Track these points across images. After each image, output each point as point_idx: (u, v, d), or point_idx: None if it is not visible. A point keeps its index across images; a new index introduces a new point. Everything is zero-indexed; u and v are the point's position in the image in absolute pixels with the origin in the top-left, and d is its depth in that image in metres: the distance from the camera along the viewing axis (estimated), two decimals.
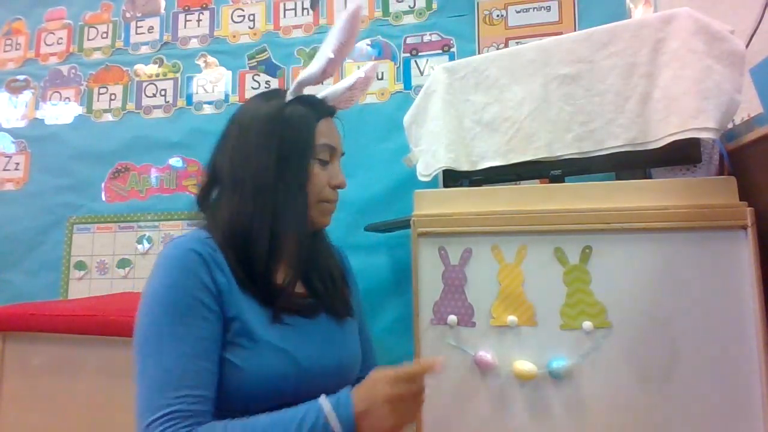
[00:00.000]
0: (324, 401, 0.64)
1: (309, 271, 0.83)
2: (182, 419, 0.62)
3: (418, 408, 0.68)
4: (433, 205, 0.99)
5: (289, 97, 0.81)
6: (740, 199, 0.81)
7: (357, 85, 0.85)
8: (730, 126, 0.94)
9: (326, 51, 0.78)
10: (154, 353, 0.65)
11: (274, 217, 0.73)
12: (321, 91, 0.87)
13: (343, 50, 0.78)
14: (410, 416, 0.67)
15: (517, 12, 1.59)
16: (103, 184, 1.81)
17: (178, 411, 0.62)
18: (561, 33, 1.46)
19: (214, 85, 1.79)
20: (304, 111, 0.79)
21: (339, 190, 0.83)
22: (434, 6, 1.66)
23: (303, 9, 1.76)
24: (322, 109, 0.82)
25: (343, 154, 0.86)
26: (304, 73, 0.80)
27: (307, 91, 0.84)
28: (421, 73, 1.62)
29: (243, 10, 1.81)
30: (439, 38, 1.64)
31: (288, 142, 0.76)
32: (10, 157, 1.92)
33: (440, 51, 1.63)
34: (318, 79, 0.80)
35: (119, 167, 1.81)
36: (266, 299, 0.73)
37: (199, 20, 1.85)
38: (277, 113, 0.78)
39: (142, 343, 0.67)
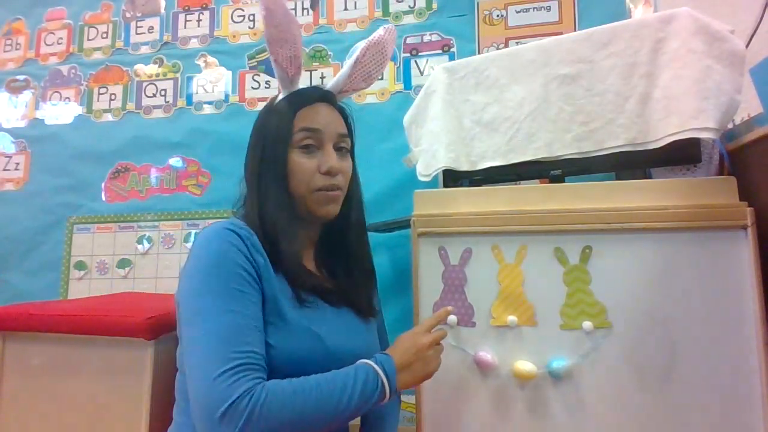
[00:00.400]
0: (366, 361, 0.70)
1: (335, 263, 0.85)
2: (251, 371, 0.63)
3: (439, 356, 0.77)
4: (433, 205, 0.99)
5: (281, 95, 0.82)
6: (740, 199, 0.81)
7: (365, 58, 0.84)
8: (730, 126, 0.94)
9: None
10: (209, 315, 0.65)
11: (260, 207, 0.76)
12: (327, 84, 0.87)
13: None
14: (437, 364, 0.76)
15: (517, 12, 1.59)
16: (103, 184, 1.81)
17: (246, 363, 0.63)
18: (561, 33, 1.46)
19: (214, 85, 1.79)
20: (285, 103, 0.80)
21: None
22: (434, 6, 1.66)
23: (303, 9, 1.76)
24: (308, 96, 0.81)
25: (346, 136, 0.83)
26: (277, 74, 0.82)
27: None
28: (421, 73, 1.62)
29: (243, 10, 1.81)
30: (439, 38, 1.64)
31: (267, 133, 0.79)
32: (10, 157, 1.92)
33: (440, 51, 1.63)
34: (285, 68, 0.80)
35: (119, 167, 1.81)
36: (292, 280, 0.75)
37: (199, 20, 1.85)
38: (267, 110, 0.82)
39: (193, 311, 0.67)
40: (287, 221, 0.76)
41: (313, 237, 0.85)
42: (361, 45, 0.83)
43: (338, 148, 0.81)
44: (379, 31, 0.85)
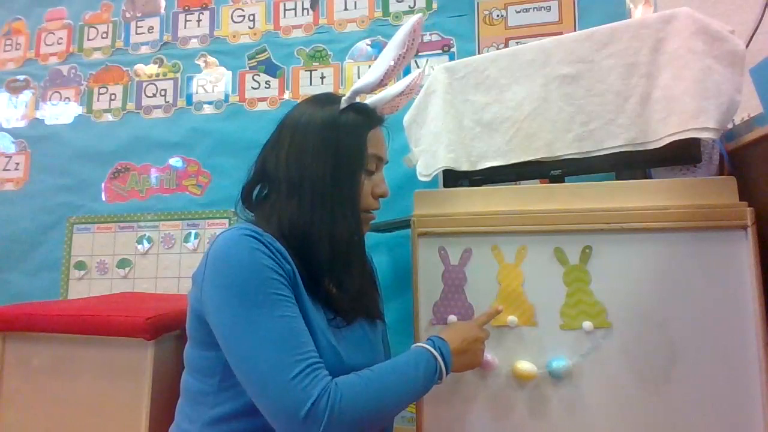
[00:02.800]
0: (422, 345, 0.75)
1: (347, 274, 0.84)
2: (319, 370, 0.64)
3: (483, 352, 0.84)
4: (433, 205, 0.99)
5: (343, 104, 0.80)
6: (740, 199, 0.81)
7: (404, 92, 0.85)
8: (730, 126, 0.94)
9: (386, 60, 0.79)
10: (261, 322, 0.64)
11: (333, 226, 0.74)
12: (369, 98, 0.86)
13: (402, 61, 0.80)
14: (482, 359, 0.83)
15: (517, 12, 1.59)
16: (103, 184, 1.81)
17: (313, 364, 0.63)
18: (561, 33, 1.46)
19: (214, 85, 1.79)
20: (358, 120, 0.79)
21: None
22: (434, 6, 1.66)
23: (303, 9, 1.76)
24: (374, 118, 0.82)
25: (386, 162, 0.86)
26: (361, 82, 0.80)
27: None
28: None
29: (243, 10, 1.81)
30: (439, 38, 1.64)
31: (343, 152, 0.76)
32: (10, 157, 1.92)
33: (440, 51, 1.63)
34: (375, 88, 0.80)
35: (119, 167, 1.81)
36: (326, 303, 0.75)
37: (199, 20, 1.85)
38: (333, 120, 0.78)
39: (239, 320, 0.64)
40: (361, 240, 0.79)
41: None
42: (405, 81, 0.84)
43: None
44: (418, 73, 0.87)
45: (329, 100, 0.82)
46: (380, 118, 0.84)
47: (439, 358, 0.73)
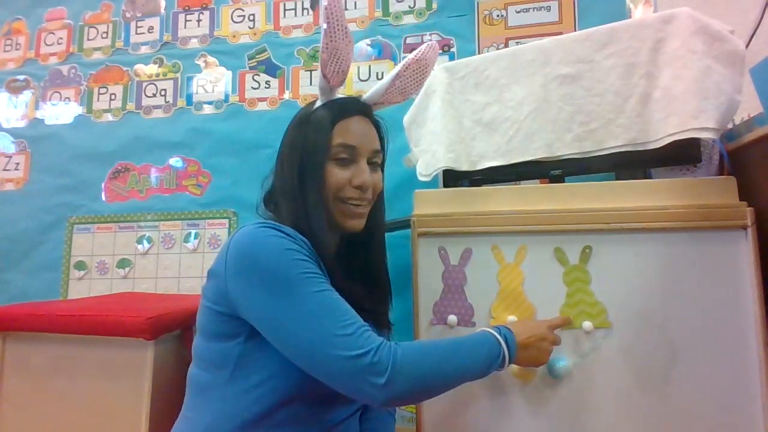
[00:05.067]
0: (489, 329, 0.74)
1: (353, 274, 0.83)
2: (371, 331, 0.65)
3: (550, 354, 0.80)
4: (433, 205, 0.99)
5: (318, 103, 0.81)
6: (740, 199, 0.81)
7: (405, 73, 0.82)
8: (730, 126, 0.94)
9: (321, 54, 0.77)
10: (300, 301, 0.64)
11: (308, 222, 0.74)
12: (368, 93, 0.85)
13: (328, 45, 0.75)
14: (547, 359, 0.80)
15: (517, 12, 1.59)
16: (103, 184, 1.81)
17: (364, 325, 0.65)
18: (561, 33, 1.45)
19: (214, 85, 1.79)
20: (325, 113, 0.78)
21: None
22: (434, 6, 1.66)
23: (303, 9, 1.76)
24: (347, 108, 0.80)
25: (379, 152, 0.83)
26: (318, 82, 0.80)
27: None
28: None
29: (243, 10, 1.81)
30: (439, 38, 1.64)
31: (307, 146, 0.77)
32: (10, 157, 1.92)
33: (440, 51, 1.63)
34: (327, 84, 0.79)
35: (119, 167, 1.81)
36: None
37: (199, 20, 1.85)
38: (305, 118, 0.80)
39: (280, 306, 0.65)
40: (323, 228, 0.77)
41: (335, 247, 0.84)
42: (402, 64, 0.82)
43: (371, 163, 0.81)
44: (422, 48, 0.83)
45: (313, 102, 0.83)
46: (356, 108, 0.81)
47: (504, 345, 0.72)
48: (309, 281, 0.66)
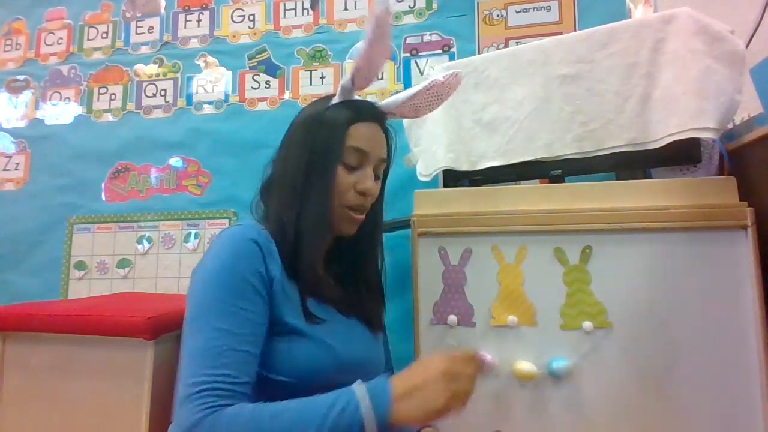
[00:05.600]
0: (358, 385, 0.61)
1: (344, 273, 0.84)
2: (217, 397, 0.61)
3: (469, 393, 0.63)
4: (433, 205, 0.99)
5: (334, 101, 0.79)
6: (740, 199, 0.81)
7: (426, 93, 0.82)
8: (730, 126, 0.94)
9: (356, 58, 0.77)
10: (200, 329, 0.65)
11: (298, 218, 0.74)
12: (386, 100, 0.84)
13: (369, 56, 0.76)
14: (462, 400, 0.61)
15: (517, 12, 1.59)
16: (103, 184, 1.81)
17: (215, 388, 0.61)
18: (561, 33, 1.45)
19: (214, 85, 1.79)
20: (342, 114, 0.77)
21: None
22: (434, 6, 1.66)
23: (303, 9, 1.76)
24: (363, 113, 0.79)
25: (385, 161, 0.82)
26: (342, 80, 0.80)
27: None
28: (421, 73, 1.62)
29: (243, 10, 1.81)
30: (439, 38, 1.64)
31: (318, 145, 0.76)
32: (10, 157, 1.92)
33: (440, 51, 1.63)
34: (351, 87, 0.78)
35: (119, 167, 1.81)
36: (305, 289, 0.74)
37: (199, 20, 1.85)
38: (317, 116, 0.78)
39: (190, 319, 0.67)
40: (322, 234, 0.77)
41: (328, 246, 0.84)
42: (425, 83, 0.82)
43: (375, 171, 0.80)
44: (448, 75, 0.83)
45: (325, 98, 0.82)
46: (372, 114, 0.80)
47: (365, 403, 0.58)
48: (222, 315, 0.65)
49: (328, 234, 0.79)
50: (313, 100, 0.85)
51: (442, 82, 0.82)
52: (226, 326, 0.65)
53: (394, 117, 0.85)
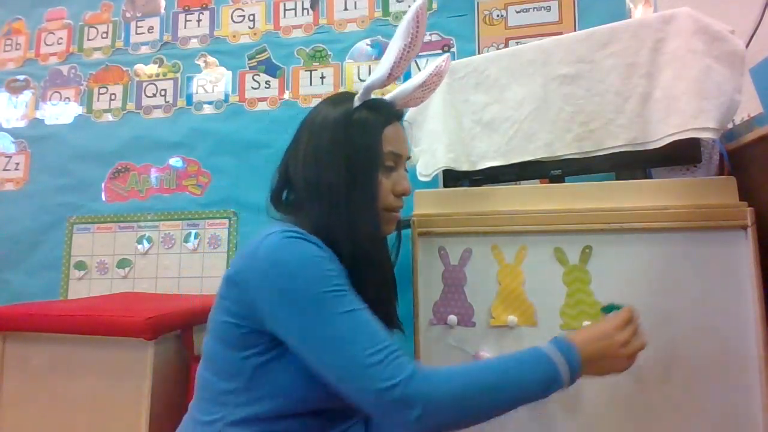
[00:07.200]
0: (545, 350, 0.66)
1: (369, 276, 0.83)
2: (403, 356, 0.62)
3: (641, 349, 0.70)
4: (433, 205, 0.99)
5: (357, 102, 0.78)
6: (740, 199, 0.81)
7: (428, 82, 0.82)
8: (730, 126, 0.94)
9: (393, 52, 0.77)
10: (329, 321, 0.62)
11: (352, 228, 0.73)
12: (391, 93, 0.85)
13: (409, 52, 0.76)
14: (634, 359, 0.70)
15: (517, 12, 1.59)
16: (103, 184, 1.81)
17: (395, 350, 0.61)
18: (561, 33, 1.45)
19: (214, 85, 1.79)
20: (371, 117, 0.77)
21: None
22: (434, 6, 1.66)
23: (303, 9, 1.76)
24: (389, 114, 0.79)
25: (409, 158, 0.83)
26: (371, 78, 0.79)
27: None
28: None
29: (243, 10, 1.81)
30: (439, 38, 1.64)
31: (356, 152, 0.75)
32: (10, 157, 1.92)
33: (440, 51, 1.63)
34: (385, 82, 0.78)
35: (119, 167, 1.81)
36: (378, 299, 0.74)
37: (199, 20, 1.85)
38: (346, 119, 0.77)
39: (308, 323, 0.63)
40: (379, 242, 0.77)
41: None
42: (428, 71, 0.82)
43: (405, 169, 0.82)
44: (449, 62, 0.84)
45: (344, 98, 0.81)
46: (397, 114, 0.81)
47: (562, 365, 0.64)
48: (339, 300, 0.64)
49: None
50: (327, 99, 0.83)
51: (443, 70, 0.83)
52: (349, 306, 0.64)
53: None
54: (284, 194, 0.81)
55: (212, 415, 0.71)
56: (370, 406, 0.61)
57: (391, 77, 0.78)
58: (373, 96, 0.80)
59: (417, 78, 0.82)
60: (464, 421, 0.63)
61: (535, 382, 0.64)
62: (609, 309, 0.77)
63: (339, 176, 0.73)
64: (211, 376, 0.73)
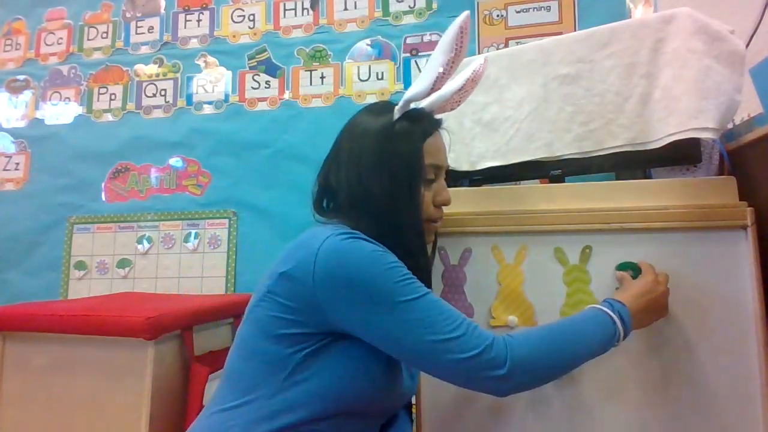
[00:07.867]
0: (600, 307, 0.73)
1: None
2: (481, 328, 0.67)
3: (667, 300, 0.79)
4: None
5: (397, 113, 0.78)
6: (740, 199, 0.81)
7: (466, 87, 0.82)
8: (730, 126, 0.94)
9: (435, 65, 0.77)
10: (406, 311, 0.66)
11: (399, 238, 0.74)
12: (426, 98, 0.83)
13: (452, 66, 0.77)
14: (667, 310, 0.80)
15: (517, 12, 1.59)
16: (103, 184, 1.82)
17: (472, 323, 0.67)
18: (561, 33, 1.46)
19: (214, 85, 1.79)
20: (413, 130, 0.77)
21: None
22: (434, 6, 1.66)
23: (303, 9, 1.76)
24: (430, 125, 0.80)
25: (448, 167, 0.84)
26: (412, 90, 0.79)
27: None
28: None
29: (243, 10, 1.82)
30: (440, 38, 1.63)
31: (400, 164, 0.75)
32: (10, 157, 1.92)
33: None
34: (426, 95, 0.78)
35: (119, 167, 1.81)
36: None
37: (199, 20, 1.85)
38: (387, 131, 0.76)
39: (386, 318, 0.66)
40: (426, 253, 0.79)
41: None
42: (465, 75, 0.80)
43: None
44: (478, 64, 0.82)
45: (384, 109, 0.80)
46: (437, 123, 0.81)
47: (618, 323, 0.71)
48: (409, 287, 0.67)
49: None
50: (367, 109, 0.83)
51: (480, 75, 0.82)
52: (418, 292, 0.67)
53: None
54: (325, 201, 0.82)
55: (242, 405, 0.71)
56: (461, 375, 0.66)
57: (432, 91, 0.78)
58: (412, 105, 0.80)
59: (455, 83, 0.81)
60: (543, 379, 0.70)
61: (599, 341, 0.71)
62: (624, 267, 0.83)
63: (383, 189, 0.74)
64: (246, 366, 0.73)
